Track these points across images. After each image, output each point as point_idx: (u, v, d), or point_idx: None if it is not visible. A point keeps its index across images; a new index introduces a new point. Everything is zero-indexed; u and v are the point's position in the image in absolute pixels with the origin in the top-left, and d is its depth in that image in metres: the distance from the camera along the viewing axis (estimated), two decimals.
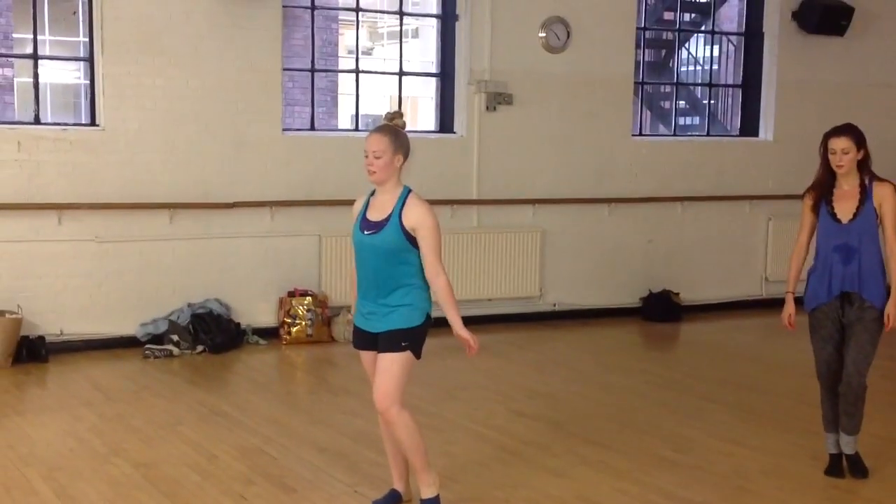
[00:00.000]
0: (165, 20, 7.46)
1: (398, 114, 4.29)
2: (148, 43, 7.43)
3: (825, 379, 4.92)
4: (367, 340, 4.27)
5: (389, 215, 4.15)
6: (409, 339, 4.16)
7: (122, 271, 7.49)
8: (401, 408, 4.15)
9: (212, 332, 7.42)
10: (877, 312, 4.73)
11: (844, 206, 4.77)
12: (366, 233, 4.19)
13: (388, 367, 4.14)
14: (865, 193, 4.75)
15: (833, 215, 4.79)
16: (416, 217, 4.11)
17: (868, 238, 4.74)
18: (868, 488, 4.78)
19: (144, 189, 7.49)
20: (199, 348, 7.39)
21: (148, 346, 7.34)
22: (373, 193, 4.27)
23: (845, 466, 4.93)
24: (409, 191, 4.20)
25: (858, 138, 4.73)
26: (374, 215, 4.20)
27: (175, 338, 7.36)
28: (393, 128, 4.21)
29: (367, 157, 4.15)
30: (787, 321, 5.04)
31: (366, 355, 4.31)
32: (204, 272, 7.72)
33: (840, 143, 4.71)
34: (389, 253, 4.13)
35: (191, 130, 7.62)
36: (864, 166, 4.76)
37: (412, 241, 4.13)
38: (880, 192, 4.73)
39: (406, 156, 4.20)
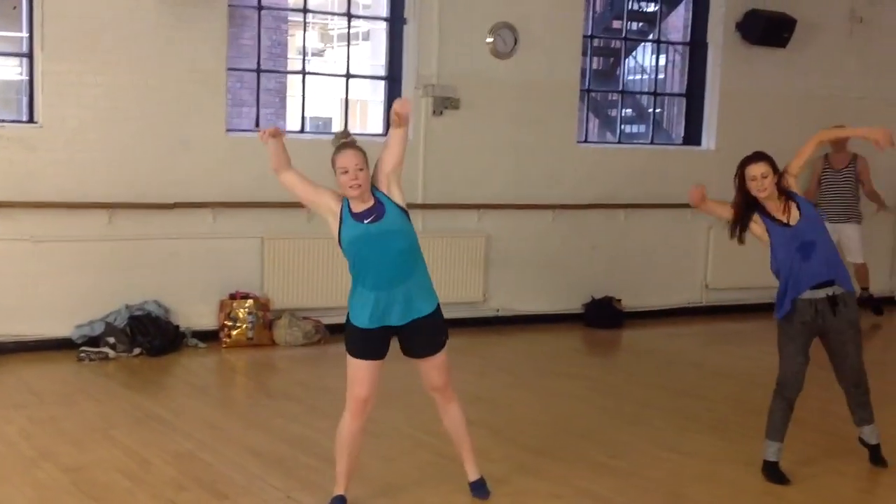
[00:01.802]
0: (108, 18, 7.34)
1: (346, 133, 4.40)
2: (89, 40, 7.30)
3: (789, 389, 4.96)
4: (381, 342, 4.30)
5: (379, 202, 4.25)
6: (444, 333, 4.41)
7: (59, 272, 7.35)
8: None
9: (149, 335, 7.31)
10: (856, 307, 4.99)
11: (785, 216, 4.96)
12: (366, 222, 4.22)
13: (441, 364, 4.41)
14: (796, 200, 4.99)
15: (780, 221, 4.94)
16: (396, 190, 4.32)
17: (820, 231, 4.99)
18: (797, 493, 4.84)
19: (83, 188, 7.36)
20: (137, 351, 7.28)
21: (83, 348, 7.21)
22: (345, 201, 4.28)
23: (870, 457, 5.20)
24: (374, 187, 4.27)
25: (772, 162, 5.00)
26: (359, 208, 4.24)
27: (111, 340, 7.24)
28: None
29: (346, 173, 4.18)
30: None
31: (371, 366, 4.29)
32: (143, 273, 7.60)
33: (759, 169, 4.96)
34: (402, 233, 4.27)
35: (132, 129, 7.50)
36: (780, 187, 4.98)
37: (408, 216, 4.32)
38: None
39: None
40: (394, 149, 4.35)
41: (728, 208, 5.13)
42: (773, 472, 4.97)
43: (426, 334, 4.36)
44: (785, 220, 4.94)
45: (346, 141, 4.29)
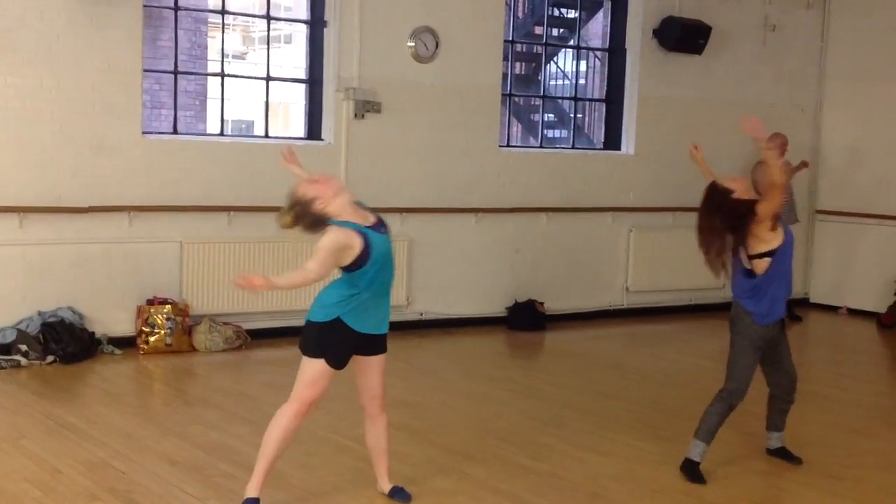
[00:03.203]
0: (17, 17, 7.14)
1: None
2: None
3: (740, 397, 5.04)
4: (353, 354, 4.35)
5: (375, 213, 4.33)
6: None
7: None
8: None
9: (63, 342, 7.12)
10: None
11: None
12: (383, 232, 4.28)
13: (384, 367, 4.50)
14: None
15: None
16: None
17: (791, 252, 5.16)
18: (714, 492, 4.93)
19: None
20: (50, 358, 7.09)
21: None
22: (342, 223, 4.19)
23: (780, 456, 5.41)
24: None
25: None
26: (369, 221, 4.27)
27: (24, 347, 7.04)
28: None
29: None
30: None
31: (336, 373, 4.32)
32: (56, 279, 7.41)
33: None
34: None
35: (44, 131, 7.31)
36: None
37: None
38: None
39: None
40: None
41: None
42: (694, 472, 5.05)
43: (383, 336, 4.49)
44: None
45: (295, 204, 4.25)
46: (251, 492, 4.32)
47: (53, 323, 7.18)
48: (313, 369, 4.27)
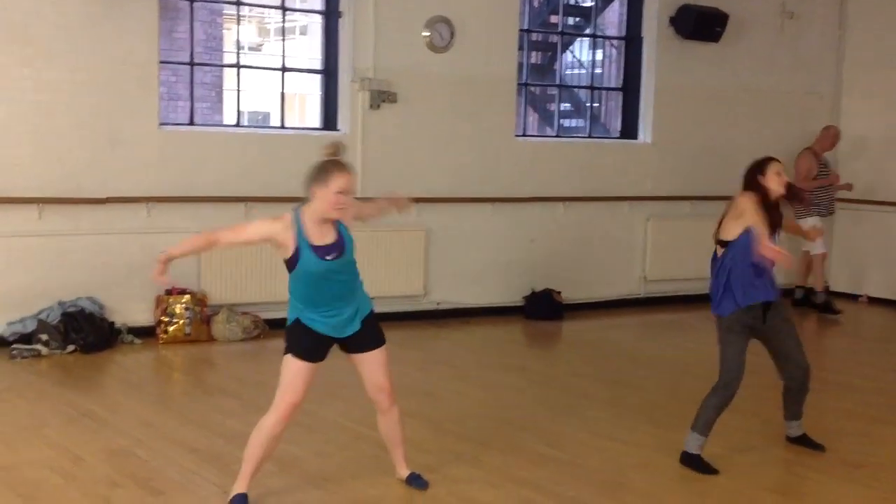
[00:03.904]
0: (33, 10, 7.19)
1: (340, 146, 4.28)
2: (17, 32, 7.15)
3: (735, 386, 5.00)
4: (327, 348, 4.32)
5: (340, 236, 4.22)
6: (382, 332, 4.46)
7: None
8: None
9: (83, 332, 7.17)
10: (785, 308, 5.14)
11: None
12: (328, 258, 4.17)
13: (385, 359, 4.43)
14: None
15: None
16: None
17: None
18: (732, 479, 4.93)
19: (11, 183, 7.20)
20: (70, 348, 7.14)
21: (15, 345, 7.05)
22: (297, 221, 4.17)
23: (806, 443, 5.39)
24: None
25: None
26: (321, 240, 4.17)
27: (44, 337, 7.10)
28: None
29: (344, 194, 4.11)
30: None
31: (311, 370, 4.27)
32: (75, 269, 7.46)
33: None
34: (353, 265, 4.31)
35: (62, 123, 7.35)
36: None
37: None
38: None
39: None
40: (371, 212, 4.68)
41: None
42: (699, 464, 5.03)
43: (369, 329, 4.38)
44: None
45: (339, 159, 4.21)
46: (238, 488, 4.30)
47: (73, 313, 7.23)
48: (286, 369, 4.26)
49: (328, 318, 4.25)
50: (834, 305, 9.88)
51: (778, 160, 5.14)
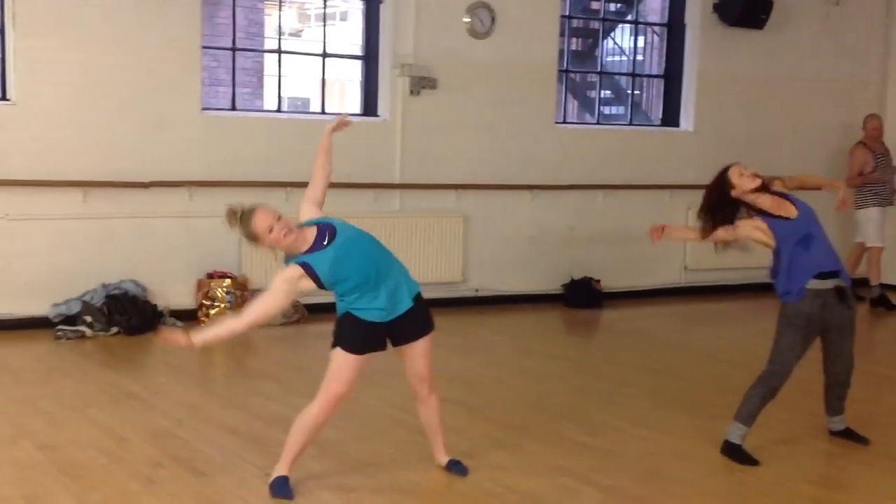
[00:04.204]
0: None
1: (235, 209, 4.22)
2: (62, 16, 7.23)
3: (781, 380, 4.95)
4: (378, 340, 4.30)
5: (318, 228, 4.22)
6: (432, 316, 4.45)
7: (34, 250, 7.30)
8: None
9: (127, 314, 7.27)
10: (855, 309, 5.02)
11: (783, 211, 4.93)
12: (326, 244, 4.16)
13: (429, 349, 4.44)
14: (789, 198, 4.98)
15: (781, 216, 4.91)
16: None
17: (817, 225, 4.97)
18: (772, 471, 4.88)
19: (56, 166, 7.30)
20: (114, 330, 7.24)
21: (60, 327, 7.17)
22: (298, 263, 4.17)
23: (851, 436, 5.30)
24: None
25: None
26: (309, 249, 4.18)
27: (88, 319, 7.20)
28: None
29: (272, 230, 4.10)
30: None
31: (362, 362, 4.27)
32: (119, 252, 7.55)
33: (742, 168, 4.96)
34: (360, 230, 4.33)
35: (106, 107, 7.44)
36: (769, 189, 4.97)
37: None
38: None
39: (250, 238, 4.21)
40: (322, 183, 4.51)
41: (690, 228, 5.12)
42: (740, 454, 4.98)
43: (419, 312, 4.37)
44: (785, 215, 4.93)
45: (243, 211, 4.16)
46: (280, 471, 4.33)
47: (117, 295, 7.33)
48: (333, 360, 4.27)
49: (381, 295, 4.20)
50: (889, 300, 9.62)
51: (736, 164, 5.02)
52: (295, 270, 4.13)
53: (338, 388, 4.25)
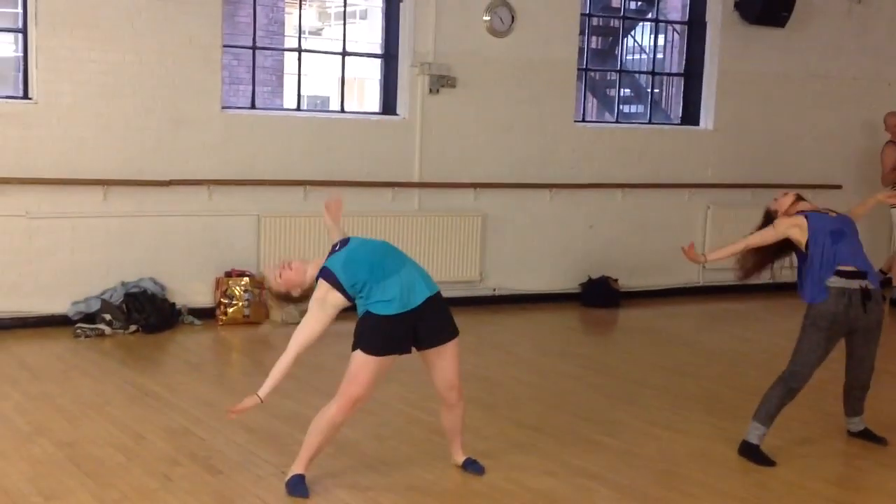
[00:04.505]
0: None
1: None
2: (83, 16, 7.27)
3: (800, 381, 4.94)
4: (406, 329, 4.27)
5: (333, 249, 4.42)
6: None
7: (54, 248, 7.35)
8: None
9: (146, 312, 7.31)
10: (883, 312, 5.01)
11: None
12: (338, 249, 4.33)
13: (457, 354, 4.46)
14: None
15: (822, 210, 5.04)
16: None
17: (851, 227, 5.04)
18: (790, 471, 4.86)
19: (77, 165, 7.34)
20: (133, 328, 7.28)
21: (79, 324, 7.21)
22: (326, 278, 4.29)
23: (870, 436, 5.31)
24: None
25: None
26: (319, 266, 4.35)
27: (107, 317, 7.24)
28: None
29: (280, 280, 4.42)
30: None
31: (385, 364, 4.28)
32: (138, 251, 7.60)
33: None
34: (371, 239, 4.58)
35: (126, 106, 7.48)
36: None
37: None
38: None
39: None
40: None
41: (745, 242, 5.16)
42: (758, 455, 4.97)
43: (441, 313, 4.35)
44: (823, 212, 5.05)
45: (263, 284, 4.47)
46: (296, 469, 4.35)
47: (136, 293, 7.37)
48: (353, 363, 4.26)
49: (395, 285, 4.20)
50: None
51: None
52: (321, 286, 4.24)
53: (356, 390, 4.25)
